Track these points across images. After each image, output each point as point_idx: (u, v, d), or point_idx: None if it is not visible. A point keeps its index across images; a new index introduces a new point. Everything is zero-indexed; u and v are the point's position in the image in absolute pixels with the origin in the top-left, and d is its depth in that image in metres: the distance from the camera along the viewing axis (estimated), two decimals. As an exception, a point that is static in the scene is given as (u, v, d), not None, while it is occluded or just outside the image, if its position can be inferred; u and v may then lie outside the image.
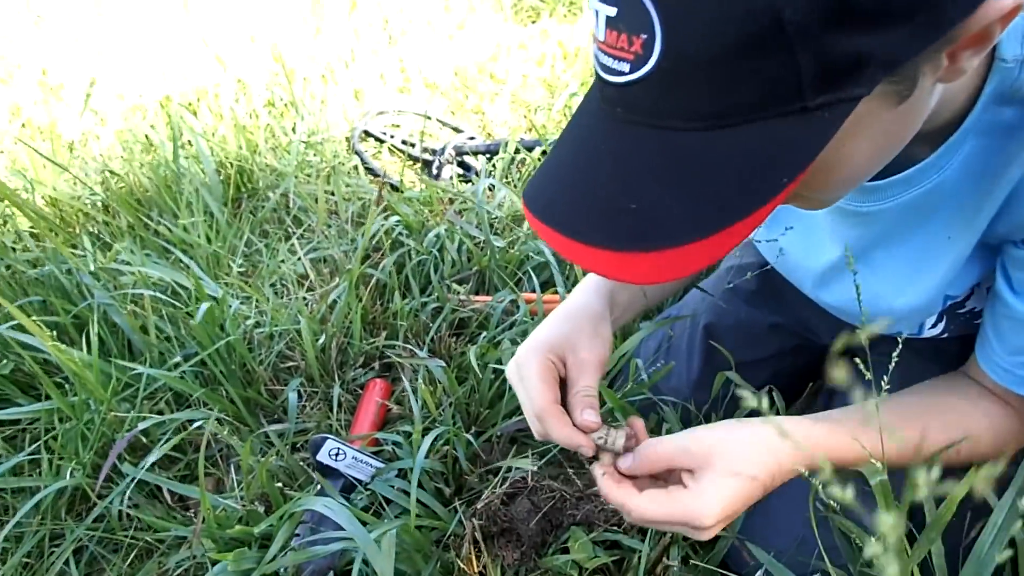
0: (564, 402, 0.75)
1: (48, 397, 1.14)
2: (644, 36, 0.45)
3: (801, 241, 0.87)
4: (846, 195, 0.63)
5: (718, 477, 0.64)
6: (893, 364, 0.64)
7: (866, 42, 0.42)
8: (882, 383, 0.64)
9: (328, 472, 1.07)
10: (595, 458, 0.72)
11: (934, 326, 0.82)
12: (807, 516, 0.84)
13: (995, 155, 0.61)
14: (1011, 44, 0.57)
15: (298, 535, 0.99)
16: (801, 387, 1.09)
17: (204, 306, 1.17)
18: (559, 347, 0.77)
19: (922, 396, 0.77)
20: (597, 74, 0.51)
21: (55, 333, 1.15)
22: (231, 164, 1.81)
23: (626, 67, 0.47)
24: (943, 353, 0.86)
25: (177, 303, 1.36)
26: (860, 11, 0.41)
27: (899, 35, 0.43)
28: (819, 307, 0.89)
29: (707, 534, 0.64)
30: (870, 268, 0.77)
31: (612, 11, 0.46)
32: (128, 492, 1.05)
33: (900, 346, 0.64)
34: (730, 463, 0.65)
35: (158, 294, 1.33)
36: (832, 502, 0.72)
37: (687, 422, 1.06)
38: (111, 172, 1.75)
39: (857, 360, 0.59)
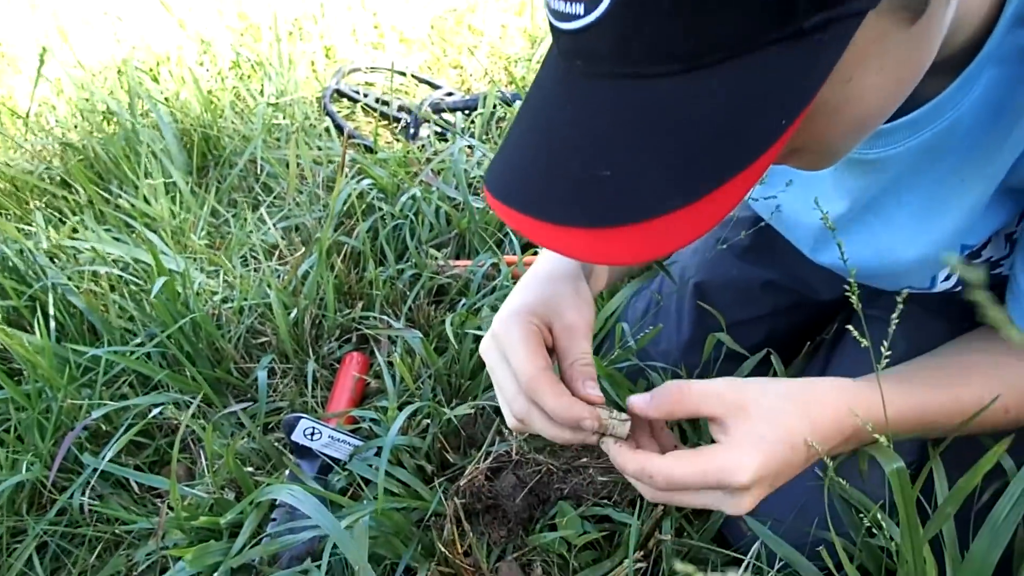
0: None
1: (0, 387, 1.07)
2: None
3: (800, 195, 0.79)
4: (856, 145, 0.54)
5: (756, 424, 0.55)
6: (894, 322, 0.57)
7: None
8: (882, 346, 0.57)
9: (304, 453, 1.02)
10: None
11: (947, 279, 0.75)
12: (807, 485, 0.79)
13: (1018, 87, 0.53)
14: None
15: (275, 520, 0.94)
16: (798, 346, 1.03)
17: (160, 281, 1.10)
18: (542, 312, 0.66)
19: (954, 355, 0.70)
20: (551, 24, 0.43)
21: (8, 317, 1.08)
22: (195, 130, 1.72)
23: (580, 8, 0.39)
24: (951, 304, 0.80)
25: (141, 281, 1.29)
26: None
27: None
28: (814, 262, 0.83)
29: (745, 501, 0.54)
30: (878, 218, 0.70)
31: None
32: (92, 483, 0.99)
33: (901, 304, 0.57)
34: (772, 409, 0.56)
35: (118, 271, 1.26)
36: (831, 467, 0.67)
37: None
38: (68, 145, 1.66)
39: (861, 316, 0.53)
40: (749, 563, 0.79)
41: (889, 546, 0.69)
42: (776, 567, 0.80)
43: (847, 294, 0.59)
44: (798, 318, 1.02)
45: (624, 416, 0.60)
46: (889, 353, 0.57)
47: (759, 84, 0.39)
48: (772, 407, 0.56)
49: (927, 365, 0.70)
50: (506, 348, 0.63)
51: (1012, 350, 0.67)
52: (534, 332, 0.63)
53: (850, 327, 0.56)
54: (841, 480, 0.70)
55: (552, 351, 0.66)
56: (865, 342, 0.53)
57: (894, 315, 0.57)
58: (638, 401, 0.60)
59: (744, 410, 0.56)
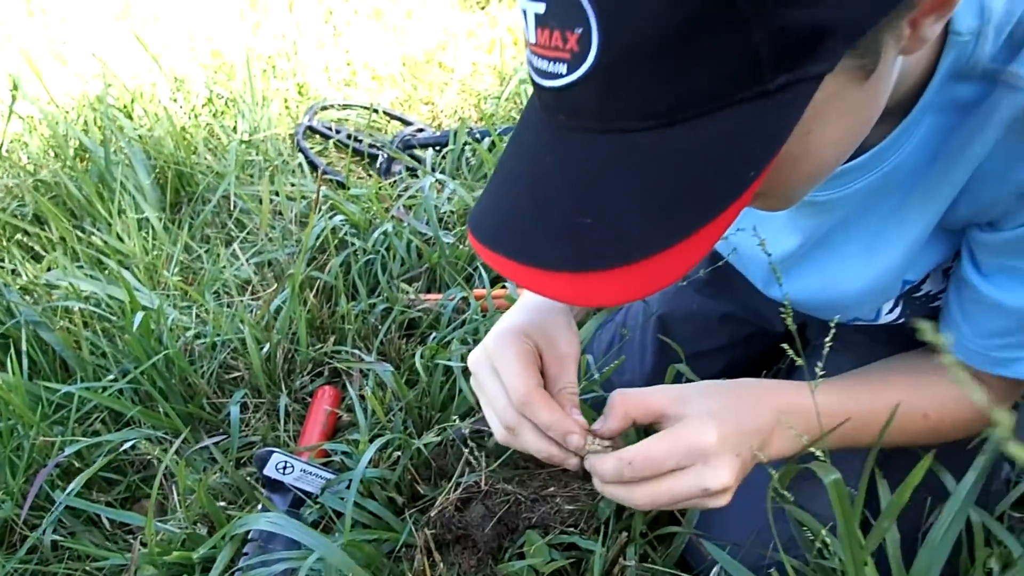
0: None
1: (-28, 424, 1.08)
2: (579, 30, 0.40)
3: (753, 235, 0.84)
4: (814, 189, 0.59)
5: (699, 401, 0.61)
6: (827, 349, 0.62)
7: (824, 13, 0.39)
8: (816, 369, 0.62)
9: (276, 487, 1.03)
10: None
11: (891, 311, 0.81)
12: (763, 508, 0.82)
13: (953, 133, 0.59)
14: (966, 17, 0.53)
15: (246, 554, 0.95)
16: (755, 376, 1.07)
17: (138, 317, 1.12)
18: (536, 335, 0.69)
19: (884, 370, 0.75)
20: (533, 81, 0.47)
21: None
22: (169, 167, 1.74)
23: (563, 68, 0.43)
24: (896, 335, 0.85)
25: (114, 317, 1.30)
26: None
27: (855, 5, 0.40)
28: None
29: (722, 473, 0.58)
30: (828, 253, 0.75)
31: (540, 7, 0.42)
32: (63, 520, 1.00)
33: (832, 331, 0.62)
34: (709, 389, 0.63)
35: (91, 307, 1.27)
36: (787, 493, 0.70)
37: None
38: (41, 181, 1.68)
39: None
40: (710, 586, 0.82)
41: (837, 565, 0.73)
42: (737, 589, 0.82)
43: (800, 324, 0.64)
44: (755, 349, 1.06)
45: (606, 443, 0.64)
46: (823, 374, 0.62)
47: (729, 139, 0.42)
48: (710, 389, 0.64)
49: (855, 376, 0.75)
50: (499, 363, 0.66)
51: (933, 367, 0.73)
52: (528, 351, 0.67)
53: (785, 346, 0.60)
54: (788, 496, 0.74)
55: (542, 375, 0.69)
56: (800, 361, 0.57)
57: (827, 338, 0.62)
58: (598, 427, 0.64)
59: (686, 396, 0.62)
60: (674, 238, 0.43)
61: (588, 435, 0.64)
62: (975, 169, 0.59)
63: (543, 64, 0.44)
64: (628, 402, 0.64)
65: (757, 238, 0.82)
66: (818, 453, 0.63)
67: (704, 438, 0.58)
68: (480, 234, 0.50)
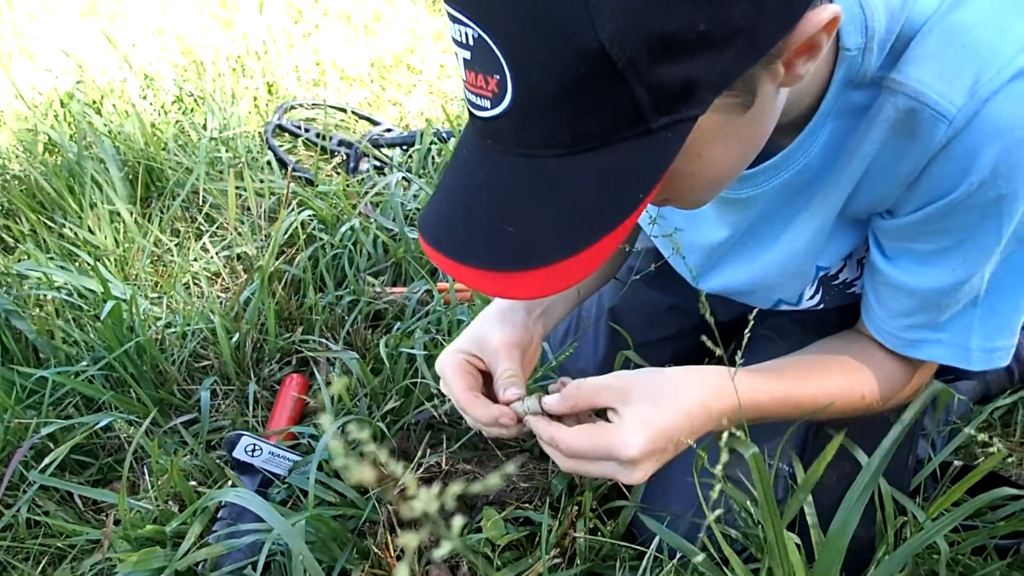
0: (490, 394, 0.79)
1: (-53, 408, 1.11)
2: (497, 76, 0.49)
3: (687, 226, 0.92)
4: (719, 194, 0.68)
5: (639, 406, 0.66)
6: (747, 335, 0.70)
7: (691, 69, 0.47)
8: (736, 356, 0.69)
9: (245, 469, 1.08)
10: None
11: (811, 298, 0.89)
12: (702, 482, 0.90)
13: (850, 134, 0.68)
14: (852, 35, 0.62)
15: (215, 531, 1.00)
16: (701, 363, 1.14)
17: (109, 305, 1.16)
18: (467, 347, 0.81)
19: (822, 352, 0.83)
20: (468, 108, 0.55)
21: (-47, 342, 1.12)
22: (138, 163, 1.77)
23: (487, 103, 0.51)
24: (824, 323, 0.93)
25: (85, 306, 1.33)
26: (680, 43, 0.46)
27: (721, 60, 0.48)
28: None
29: (636, 472, 0.65)
30: (754, 240, 0.83)
31: (467, 54, 0.50)
32: (37, 499, 1.03)
33: (752, 321, 0.70)
34: (651, 392, 0.68)
35: (64, 296, 1.30)
36: (717, 470, 0.77)
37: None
38: (11, 176, 1.69)
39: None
40: (650, 555, 0.88)
41: (760, 532, 0.80)
42: (676, 559, 0.89)
43: (738, 316, 0.72)
44: (700, 339, 1.13)
45: (533, 396, 0.74)
46: (742, 362, 0.69)
47: (621, 167, 0.51)
48: (654, 391, 0.69)
49: (796, 360, 0.82)
50: (444, 380, 0.80)
51: (866, 350, 0.81)
52: (462, 365, 0.80)
53: (704, 337, 0.67)
54: (714, 471, 0.81)
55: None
56: (719, 351, 0.64)
57: (750, 324, 0.69)
58: (550, 400, 0.72)
59: (629, 395, 0.68)
60: (579, 246, 0.52)
61: (535, 398, 0.73)
62: (868, 164, 0.67)
63: (472, 98, 0.53)
64: (579, 395, 0.71)
65: (691, 232, 0.91)
66: (738, 433, 0.70)
67: (625, 449, 0.64)
68: (426, 235, 0.59)
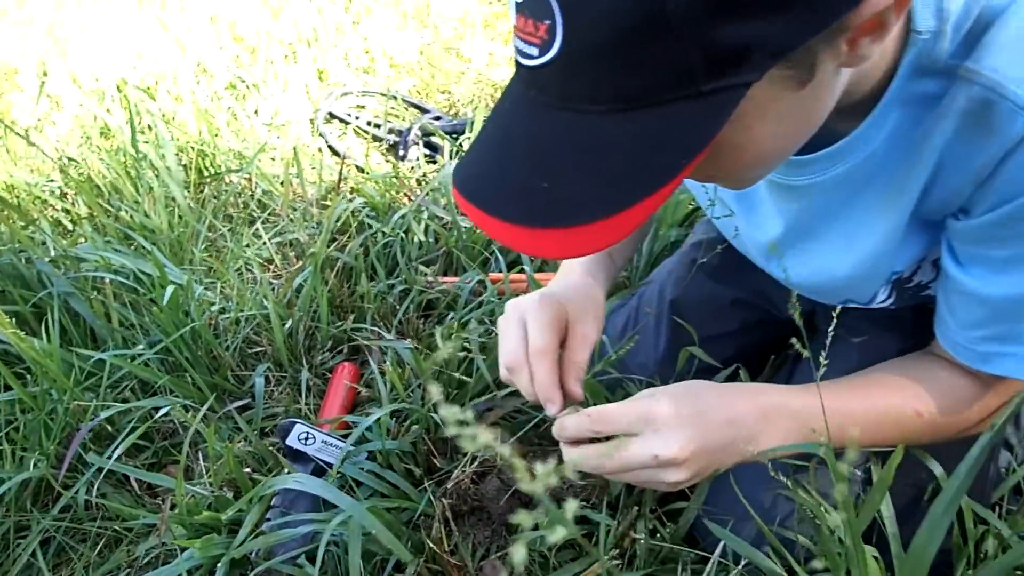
0: None
1: (8, 388, 1.12)
2: (548, 22, 0.47)
3: (745, 219, 0.88)
4: (767, 174, 0.65)
5: (673, 388, 0.68)
6: (831, 335, 0.67)
7: (748, 32, 0.44)
8: (820, 357, 0.65)
9: (297, 456, 1.07)
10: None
11: (884, 300, 0.84)
12: (768, 486, 0.86)
13: (918, 125, 0.63)
14: (924, 16, 0.58)
15: (269, 519, 0.99)
16: (765, 360, 1.10)
17: (169, 290, 1.16)
18: (571, 312, 0.79)
19: (876, 371, 0.79)
20: (516, 57, 0.53)
21: (14, 322, 1.12)
22: (192, 148, 1.78)
23: (535, 51, 0.49)
24: (900, 320, 0.89)
25: (141, 290, 1.34)
26: (739, 3, 0.43)
27: (779, 25, 0.45)
28: (777, 280, 0.91)
29: (669, 443, 0.65)
30: (813, 240, 0.79)
31: None
32: (93, 482, 1.04)
33: (835, 320, 0.66)
34: (689, 388, 0.69)
35: (121, 279, 1.31)
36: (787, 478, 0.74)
37: (653, 398, 1.07)
38: (69, 159, 1.71)
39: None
40: (714, 561, 0.85)
41: (834, 544, 0.76)
42: (741, 565, 0.86)
43: (808, 311, 0.68)
44: (764, 334, 1.10)
45: (573, 411, 0.72)
46: (827, 363, 0.66)
47: (666, 129, 0.48)
48: (690, 384, 0.70)
49: (846, 379, 0.79)
50: (531, 316, 0.77)
51: (927, 367, 0.76)
52: (560, 318, 0.78)
53: (793, 340, 0.64)
54: (803, 484, 0.77)
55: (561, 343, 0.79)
56: (806, 353, 0.61)
57: (830, 327, 0.66)
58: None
59: (659, 388, 0.69)
60: (613, 208, 0.50)
61: (573, 408, 0.72)
62: (938, 159, 0.63)
63: (521, 45, 0.50)
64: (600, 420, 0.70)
65: (750, 221, 0.87)
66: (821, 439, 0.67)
67: (656, 408, 0.66)
68: (459, 185, 0.57)
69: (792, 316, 1.05)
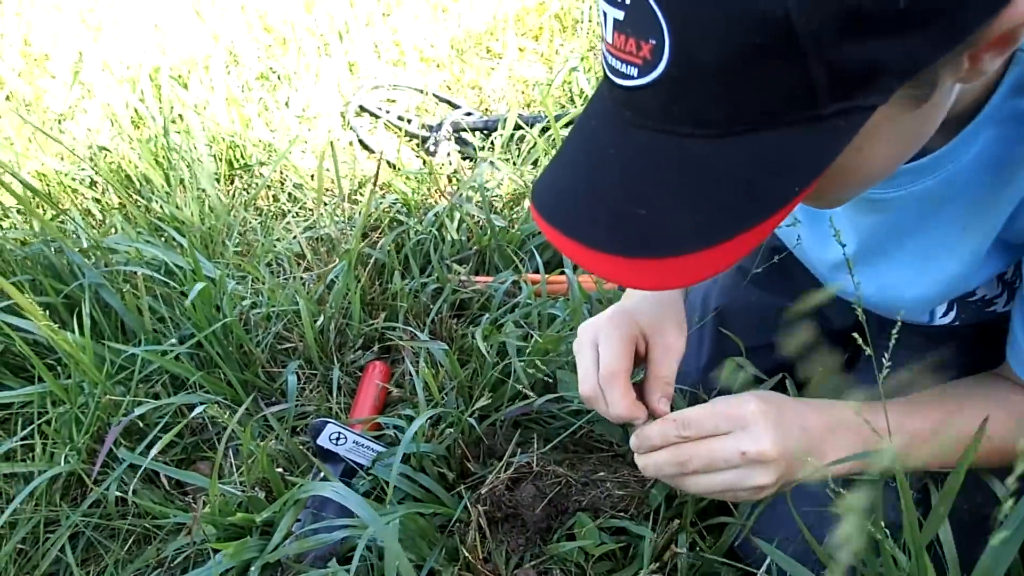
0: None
1: (40, 380, 1.11)
2: (653, 41, 0.43)
3: (810, 231, 0.85)
4: (862, 194, 0.62)
5: (754, 390, 0.66)
6: (892, 343, 0.64)
7: (880, 51, 0.41)
8: (883, 363, 0.64)
9: (328, 456, 1.05)
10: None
11: (945, 315, 0.81)
12: (816, 506, 0.83)
13: (1012, 147, 0.60)
14: None
15: (299, 520, 0.98)
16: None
17: (199, 286, 1.14)
18: (646, 322, 0.76)
19: (957, 392, 0.75)
20: (606, 75, 0.49)
21: (46, 313, 1.11)
22: (223, 139, 1.76)
23: (634, 71, 0.45)
24: (959, 337, 0.85)
25: (172, 283, 1.32)
26: (873, 20, 0.39)
27: (914, 43, 0.41)
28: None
29: (760, 440, 0.62)
30: (883, 258, 0.76)
31: (620, 14, 0.45)
32: (124, 477, 1.03)
33: (895, 336, 0.64)
34: (766, 393, 0.66)
35: (152, 273, 1.29)
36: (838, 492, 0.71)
37: (696, 406, 1.05)
38: (100, 147, 1.71)
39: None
40: (762, 577, 0.82)
41: (890, 566, 0.73)
42: (786, 583, 0.83)
43: (858, 322, 0.66)
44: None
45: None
46: (886, 374, 0.63)
47: (780, 156, 0.45)
48: (767, 394, 0.67)
49: (912, 398, 0.75)
50: (603, 338, 0.73)
51: (996, 388, 0.73)
52: (632, 336, 0.74)
53: (856, 335, 0.62)
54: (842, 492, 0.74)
55: (642, 358, 0.76)
56: (868, 349, 0.58)
57: (891, 341, 0.63)
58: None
59: (741, 397, 0.66)
60: (715, 239, 0.46)
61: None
62: None
63: (616, 64, 0.47)
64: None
65: (817, 234, 0.84)
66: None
67: (744, 407, 0.63)
68: (542, 208, 0.54)
69: (840, 327, 1.02)
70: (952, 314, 0.81)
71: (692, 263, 0.47)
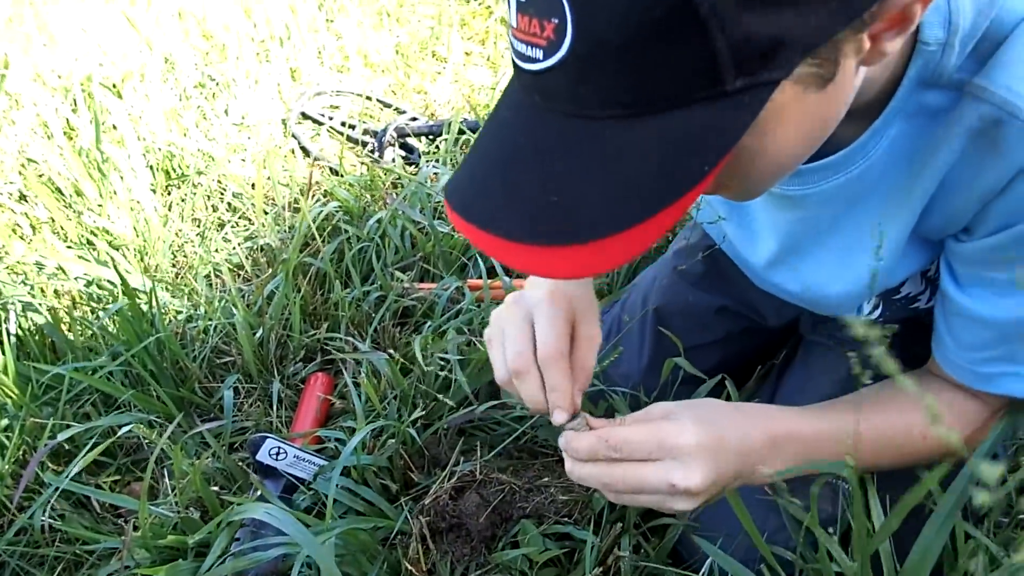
0: None
1: (-39, 404, 1.06)
2: (555, 20, 0.42)
3: (738, 231, 0.86)
4: (774, 184, 0.62)
5: (696, 411, 0.64)
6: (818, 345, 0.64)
7: (781, 23, 0.41)
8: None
9: (268, 472, 1.03)
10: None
11: (872, 311, 0.82)
12: (757, 501, 0.84)
13: (921, 140, 0.61)
14: (933, 27, 0.56)
15: (238, 539, 0.95)
16: (751, 370, 1.08)
17: (121, 301, 1.10)
18: (578, 311, 0.72)
19: (879, 391, 0.76)
20: (514, 62, 0.49)
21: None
22: (159, 149, 1.72)
23: (539, 53, 0.45)
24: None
25: (104, 299, 1.28)
26: None
27: (814, 16, 0.42)
28: (763, 290, 0.88)
29: (691, 474, 0.60)
30: (806, 256, 0.77)
31: None
32: (52, 502, 0.99)
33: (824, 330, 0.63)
34: (711, 410, 0.65)
35: (83, 288, 1.25)
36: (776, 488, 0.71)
37: (637, 409, 1.04)
38: (29, 159, 1.65)
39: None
40: (702, 578, 0.83)
41: (826, 564, 0.74)
42: (727, 582, 0.83)
43: (793, 318, 0.66)
44: (750, 343, 1.07)
45: (582, 423, 0.67)
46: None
47: (688, 134, 0.44)
48: (708, 404, 0.66)
49: (848, 401, 0.76)
50: (540, 315, 0.69)
51: (935, 387, 0.74)
52: (568, 318, 0.70)
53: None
54: (792, 500, 0.75)
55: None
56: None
57: (815, 335, 0.63)
58: (596, 421, 0.67)
59: (681, 405, 0.66)
60: (630, 222, 0.46)
61: (580, 417, 0.66)
62: (943, 177, 0.60)
63: (522, 48, 0.46)
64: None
65: (743, 235, 0.84)
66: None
67: (682, 437, 0.61)
68: (454, 202, 0.53)
69: (776, 324, 1.04)
70: (878, 311, 0.83)
71: (607, 247, 0.46)
